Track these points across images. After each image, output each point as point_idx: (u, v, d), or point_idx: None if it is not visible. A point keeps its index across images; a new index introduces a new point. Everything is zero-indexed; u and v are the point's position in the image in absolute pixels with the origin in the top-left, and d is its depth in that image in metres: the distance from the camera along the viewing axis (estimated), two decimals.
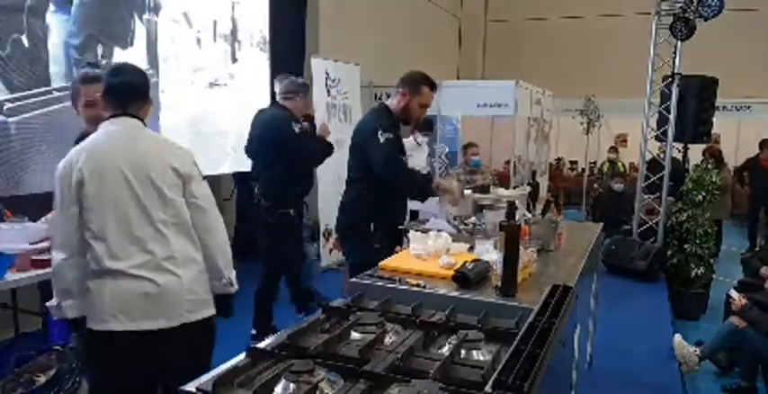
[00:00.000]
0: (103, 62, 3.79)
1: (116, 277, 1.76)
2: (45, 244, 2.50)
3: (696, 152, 7.03)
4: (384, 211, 2.79)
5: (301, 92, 3.77)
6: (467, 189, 5.25)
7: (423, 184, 2.83)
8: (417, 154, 5.34)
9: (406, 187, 2.82)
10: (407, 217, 3.16)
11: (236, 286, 2.09)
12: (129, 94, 1.89)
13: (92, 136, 1.87)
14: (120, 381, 1.82)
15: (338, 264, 5.39)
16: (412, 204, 3.22)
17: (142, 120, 1.91)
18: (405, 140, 3.20)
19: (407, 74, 2.83)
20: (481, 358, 1.30)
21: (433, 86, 2.82)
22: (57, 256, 1.81)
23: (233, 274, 2.07)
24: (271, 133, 3.57)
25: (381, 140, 2.64)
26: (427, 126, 5.50)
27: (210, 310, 1.95)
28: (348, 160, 2.90)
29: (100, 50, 3.80)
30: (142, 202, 1.79)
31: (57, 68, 3.51)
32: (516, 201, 1.98)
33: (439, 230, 2.32)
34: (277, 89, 4.27)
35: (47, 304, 1.95)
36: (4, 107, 3.18)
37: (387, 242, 2.71)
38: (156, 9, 4.19)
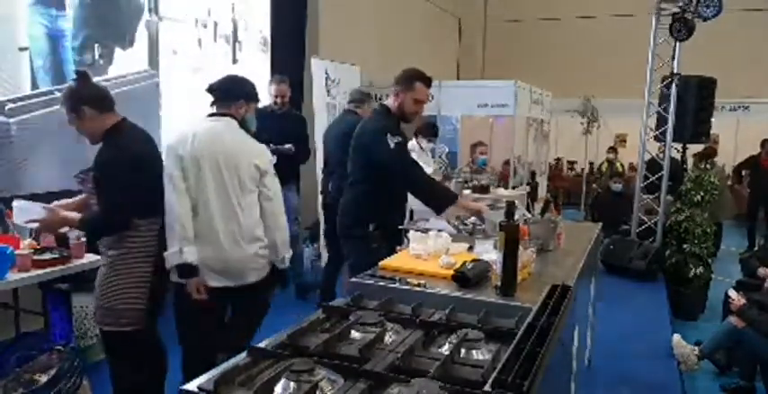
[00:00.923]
0: (100, 62, 3.80)
1: (203, 243, 2.20)
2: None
3: (695, 152, 7.05)
4: (384, 211, 2.80)
5: (367, 101, 3.86)
6: (468, 190, 5.28)
7: (444, 199, 2.71)
8: (420, 159, 5.34)
9: (423, 195, 2.74)
10: (407, 217, 3.16)
11: (287, 263, 2.46)
12: (231, 97, 2.34)
13: (200, 126, 2.31)
14: (201, 324, 2.31)
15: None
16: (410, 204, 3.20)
17: (237, 120, 2.34)
18: (409, 144, 3.20)
19: (400, 73, 2.84)
20: (481, 357, 1.30)
21: (425, 81, 2.80)
22: (179, 209, 2.16)
23: (288, 254, 2.45)
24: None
25: (392, 145, 2.63)
26: (432, 132, 5.49)
27: (263, 278, 2.38)
28: (348, 160, 2.90)
29: (98, 51, 3.80)
30: (226, 188, 2.23)
31: (53, 69, 3.50)
32: (516, 201, 1.98)
33: (439, 230, 2.33)
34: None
35: (165, 254, 2.19)
36: (5, 107, 3.19)
37: (386, 241, 2.71)
38: (156, 10, 4.20)
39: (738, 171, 7.96)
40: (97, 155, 2.16)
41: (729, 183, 8.80)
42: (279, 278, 2.50)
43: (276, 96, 4.30)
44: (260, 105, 4.37)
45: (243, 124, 2.39)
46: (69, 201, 2.45)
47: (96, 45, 3.76)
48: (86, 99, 2.14)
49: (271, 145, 4.07)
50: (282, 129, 4.25)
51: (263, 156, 2.37)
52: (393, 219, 2.84)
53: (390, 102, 2.85)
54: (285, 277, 2.49)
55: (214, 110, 2.39)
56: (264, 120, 4.29)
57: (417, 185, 2.74)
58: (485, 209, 2.65)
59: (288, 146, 4.20)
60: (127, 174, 2.10)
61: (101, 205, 2.16)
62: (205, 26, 4.72)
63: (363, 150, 2.77)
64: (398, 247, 2.71)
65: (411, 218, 3.58)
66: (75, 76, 2.23)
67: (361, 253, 2.73)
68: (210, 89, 2.39)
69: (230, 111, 2.34)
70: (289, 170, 4.44)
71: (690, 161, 6.67)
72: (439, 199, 2.71)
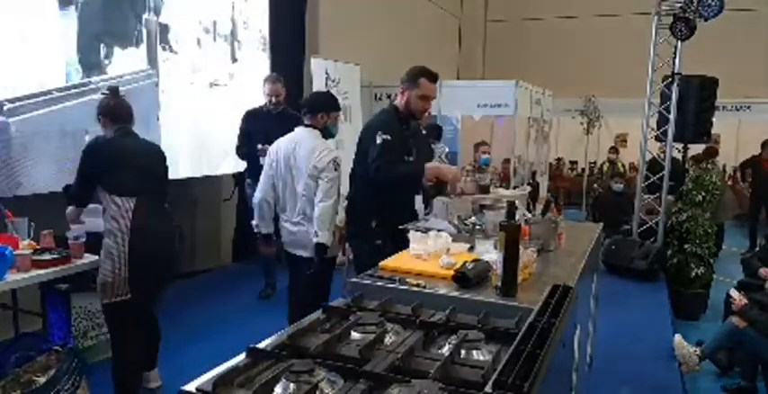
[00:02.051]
0: (106, 62, 3.80)
1: (281, 222, 3.06)
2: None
3: (695, 152, 7.04)
4: (387, 209, 2.80)
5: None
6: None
7: (411, 172, 2.83)
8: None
9: (397, 181, 2.80)
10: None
11: (320, 240, 2.92)
12: (314, 110, 3.02)
13: (292, 134, 3.05)
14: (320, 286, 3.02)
15: (339, 263, 5.39)
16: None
17: (318, 128, 3.01)
18: None
19: (407, 70, 2.85)
20: (481, 358, 1.30)
21: (430, 77, 2.80)
22: (258, 195, 3.08)
23: (322, 235, 2.91)
24: None
25: (378, 141, 2.69)
26: (436, 134, 5.48)
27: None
28: (353, 159, 2.93)
29: (103, 52, 3.80)
30: (293, 181, 2.96)
31: (57, 69, 3.50)
32: (516, 201, 1.97)
33: (439, 230, 2.32)
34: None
35: (253, 222, 3.16)
36: (5, 107, 3.18)
37: (390, 239, 2.69)
38: (156, 9, 4.19)
39: (741, 170, 7.94)
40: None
41: (730, 182, 8.80)
42: (317, 252, 2.96)
43: (270, 95, 4.28)
44: (256, 105, 4.40)
45: (325, 131, 3.03)
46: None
47: (102, 45, 3.76)
48: (104, 111, 2.67)
49: (259, 145, 4.10)
50: (278, 128, 4.23)
51: (324, 159, 2.89)
52: (398, 216, 2.80)
53: (398, 100, 2.87)
54: (320, 252, 2.95)
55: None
56: (259, 120, 4.30)
57: (392, 180, 2.76)
58: (455, 170, 2.90)
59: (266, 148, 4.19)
60: (86, 157, 2.59)
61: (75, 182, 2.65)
62: (200, 23, 4.72)
63: (361, 147, 2.84)
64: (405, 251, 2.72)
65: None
66: (109, 91, 2.75)
67: (365, 251, 2.75)
68: (301, 105, 3.14)
69: (313, 121, 3.01)
70: None
71: (689, 162, 6.65)
72: (412, 179, 2.84)
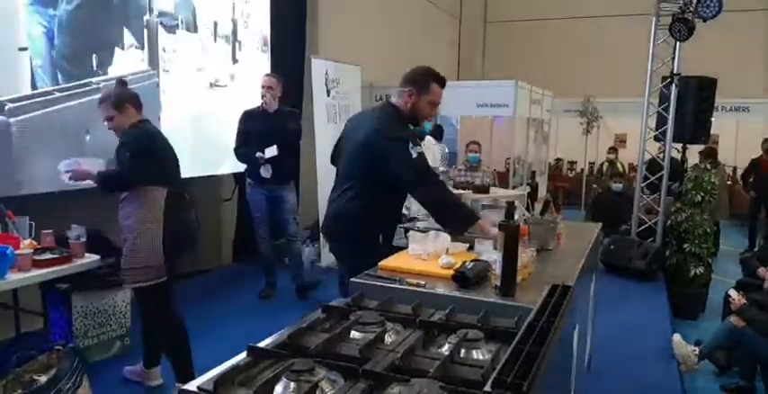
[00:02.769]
0: (107, 62, 3.78)
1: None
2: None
3: (694, 152, 7.04)
4: (388, 223, 2.65)
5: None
6: (466, 189, 5.28)
7: (466, 219, 2.40)
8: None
9: (443, 214, 2.43)
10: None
11: None
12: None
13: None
14: None
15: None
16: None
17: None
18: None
19: (412, 70, 2.57)
20: (481, 357, 1.30)
21: (441, 82, 2.58)
22: None
23: None
24: None
25: (413, 155, 2.38)
26: (437, 134, 5.49)
27: None
28: (345, 161, 2.61)
29: (95, 61, 3.72)
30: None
31: (52, 70, 3.48)
32: (516, 201, 1.98)
33: (438, 230, 2.33)
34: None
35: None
36: (5, 107, 3.19)
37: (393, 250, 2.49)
38: (156, 10, 4.19)
39: (745, 178, 7.88)
40: (122, 138, 2.66)
41: (729, 182, 8.80)
42: None
43: (263, 87, 4.27)
44: (251, 106, 4.41)
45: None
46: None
47: (86, 51, 3.68)
48: (129, 99, 2.71)
49: (258, 153, 4.12)
50: (275, 128, 4.24)
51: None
52: (386, 229, 2.66)
53: (399, 101, 2.57)
54: None
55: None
56: (256, 120, 4.30)
57: (439, 203, 2.43)
58: (493, 235, 2.19)
59: (263, 155, 4.21)
60: (141, 148, 2.60)
61: (118, 166, 2.64)
62: (201, 24, 4.72)
63: (369, 154, 2.47)
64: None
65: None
66: (116, 82, 2.79)
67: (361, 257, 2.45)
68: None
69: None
70: (287, 169, 4.44)
71: (690, 162, 6.64)
72: (460, 220, 2.39)
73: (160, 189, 2.66)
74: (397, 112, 2.56)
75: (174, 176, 2.78)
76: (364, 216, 2.52)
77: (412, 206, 3.89)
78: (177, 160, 2.83)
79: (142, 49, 4.10)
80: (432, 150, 5.34)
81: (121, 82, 2.80)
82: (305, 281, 4.63)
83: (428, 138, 5.31)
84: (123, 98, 2.69)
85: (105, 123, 2.71)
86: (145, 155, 2.61)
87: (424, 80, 2.53)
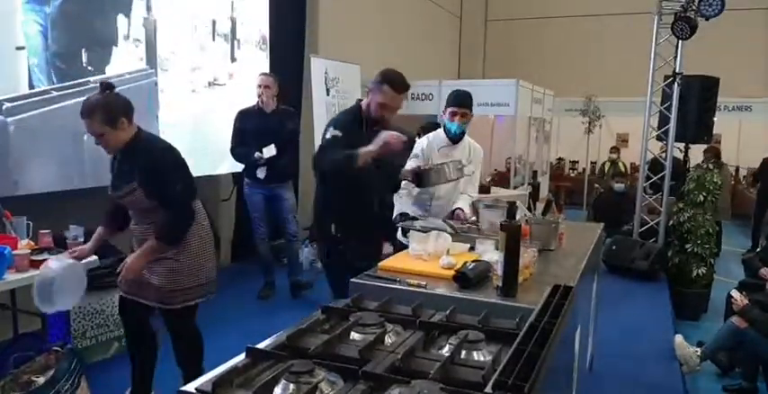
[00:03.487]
0: (89, 68, 3.71)
1: None
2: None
3: (697, 152, 7.02)
4: (345, 211, 2.62)
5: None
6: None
7: (344, 157, 2.43)
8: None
9: (329, 166, 2.51)
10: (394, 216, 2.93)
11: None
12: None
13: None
14: None
15: None
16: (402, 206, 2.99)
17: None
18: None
19: (381, 71, 2.61)
20: (482, 358, 1.29)
21: (396, 86, 2.51)
22: None
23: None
24: None
25: (327, 136, 2.54)
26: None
27: None
28: None
29: (85, 57, 3.67)
30: None
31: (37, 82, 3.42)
32: (517, 201, 1.97)
33: (438, 230, 2.31)
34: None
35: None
36: (3, 107, 3.17)
37: (355, 242, 2.58)
38: (154, 8, 4.18)
39: (755, 177, 7.83)
40: (139, 161, 2.29)
41: (732, 182, 8.76)
42: None
43: (260, 86, 4.26)
44: (248, 105, 4.40)
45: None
46: (86, 247, 2.59)
47: (83, 50, 3.66)
48: (123, 110, 2.26)
49: (257, 154, 4.11)
50: (271, 127, 4.24)
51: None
52: (357, 217, 2.61)
53: (365, 100, 2.65)
54: None
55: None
56: (252, 119, 4.29)
57: (324, 167, 2.55)
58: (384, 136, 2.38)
59: (261, 155, 4.19)
60: (176, 166, 2.34)
61: (166, 202, 2.30)
62: (200, 22, 4.70)
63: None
64: (387, 244, 2.73)
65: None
66: (100, 87, 2.28)
67: (327, 255, 2.66)
68: None
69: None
70: (285, 168, 4.43)
71: (693, 161, 6.61)
72: (342, 164, 2.43)
73: (196, 202, 2.46)
74: (359, 110, 2.62)
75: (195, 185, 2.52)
76: (318, 203, 2.72)
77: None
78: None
79: (140, 47, 4.08)
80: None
81: (107, 86, 2.29)
82: (300, 280, 4.62)
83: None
84: (117, 111, 2.24)
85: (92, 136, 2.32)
86: (183, 167, 2.36)
87: (379, 81, 2.54)
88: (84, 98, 2.31)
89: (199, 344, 2.64)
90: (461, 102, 2.95)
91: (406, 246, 2.34)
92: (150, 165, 2.27)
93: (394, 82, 2.51)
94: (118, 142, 2.28)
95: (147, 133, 2.43)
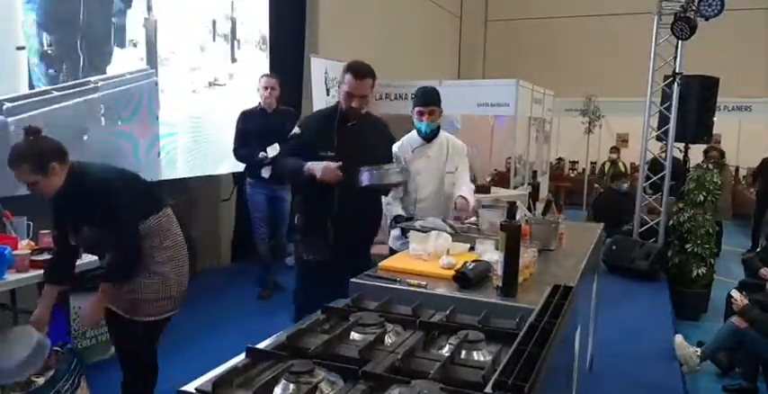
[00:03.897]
0: (105, 62, 3.73)
1: None
2: None
3: (696, 152, 7.01)
4: (303, 210, 2.65)
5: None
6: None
7: (293, 168, 2.53)
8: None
9: (284, 174, 2.67)
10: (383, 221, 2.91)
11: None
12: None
13: None
14: None
15: None
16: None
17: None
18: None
19: None
20: (482, 358, 1.29)
21: (355, 73, 2.51)
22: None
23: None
24: None
25: (289, 135, 2.63)
26: None
27: None
28: None
29: (85, 58, 3.63)
30: None
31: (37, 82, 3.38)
32: (517, 201, 1.97)
33: (437, 230, 2.31)
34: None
35: None
36: (3, 107, 3.17)
37: (319, 252, 2.55)
38: (154, 8, 4.18)
39: (754, 176, 7.83)
40: (78, 201, 2.13)
41: (732, 182, 8.75)
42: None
43: (266, 88, 4.31)
44: (249, 106, 4.41)
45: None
46: (39, 314, 2.40)
47: (83, 50, 3.63)
48: (54, 155, 2.08)
49: (261, 153, 4.12)
50: (273, 127, 4.24)
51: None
52: (319, 218, 2.55)
53: None
54: None
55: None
56: (255, 120, 4.30)
57: (281, 173, 2.67)
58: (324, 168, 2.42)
59: (266, 155, 4.21)
60: (116, 195, 2.13)
61: (115, 236, 2.15)
62: (200, 22, 4.70)
63: None
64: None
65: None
66: (25, 133, 2.09)
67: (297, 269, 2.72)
68: None
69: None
70: None
71: (693, 161, 6.61)
72: (289, 175, 2.66)
73: (166, 212, 2.31)
74: (336, 107, 2.64)
75: (157, 196, 2.36)
76: (295, 205, 2.77)
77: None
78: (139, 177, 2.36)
79: (140, 47, 4.08)
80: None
81: (33, 131, 2.09)
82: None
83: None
84: (46, 158, 2.05)
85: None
86: (118, 186, 2.16)
87: (343, 72, 2.57)
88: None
89: (154, 374, 2.53)
90: (427, 100, 2.94)
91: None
92: (90, 204, 2.12)
93: (353, 69, 2.53)
94: (51, 188, 2.12)
95: (80, 168, 2.18)
